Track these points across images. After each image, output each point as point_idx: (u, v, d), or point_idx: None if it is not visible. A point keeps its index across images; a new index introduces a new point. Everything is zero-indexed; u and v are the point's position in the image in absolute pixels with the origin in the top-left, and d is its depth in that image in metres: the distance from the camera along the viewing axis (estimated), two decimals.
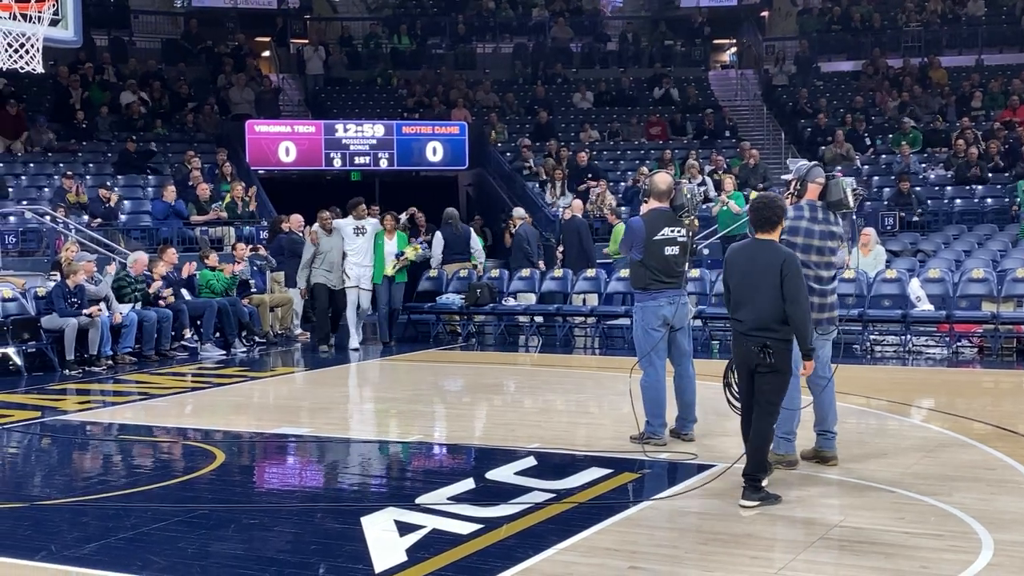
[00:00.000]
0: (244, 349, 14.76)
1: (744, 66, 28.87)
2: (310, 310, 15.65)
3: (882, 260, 15.06)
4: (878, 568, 5.27)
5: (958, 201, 19.59)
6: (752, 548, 5.61)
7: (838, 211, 7.36)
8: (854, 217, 7.60)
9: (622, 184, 21.44)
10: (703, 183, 20.10)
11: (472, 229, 17.94)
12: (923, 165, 20.92)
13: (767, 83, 27.03)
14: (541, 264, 16.76)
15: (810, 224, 7.21)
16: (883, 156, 21.93)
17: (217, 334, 14.80)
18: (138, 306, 13.88)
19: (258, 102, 24.12)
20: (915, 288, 13.77)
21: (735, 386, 6.83)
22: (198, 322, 14.61)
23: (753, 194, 17.88)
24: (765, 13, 30.63)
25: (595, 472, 7.31)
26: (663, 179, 8.23)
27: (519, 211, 17.91)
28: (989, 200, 19.24)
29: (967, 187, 19.77)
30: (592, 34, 29.03)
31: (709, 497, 6.70)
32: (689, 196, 8.07)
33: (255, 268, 16.18)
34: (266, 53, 28.88)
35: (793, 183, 7.46)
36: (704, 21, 28.78)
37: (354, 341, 14.79)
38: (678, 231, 8.05)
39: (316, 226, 14.98)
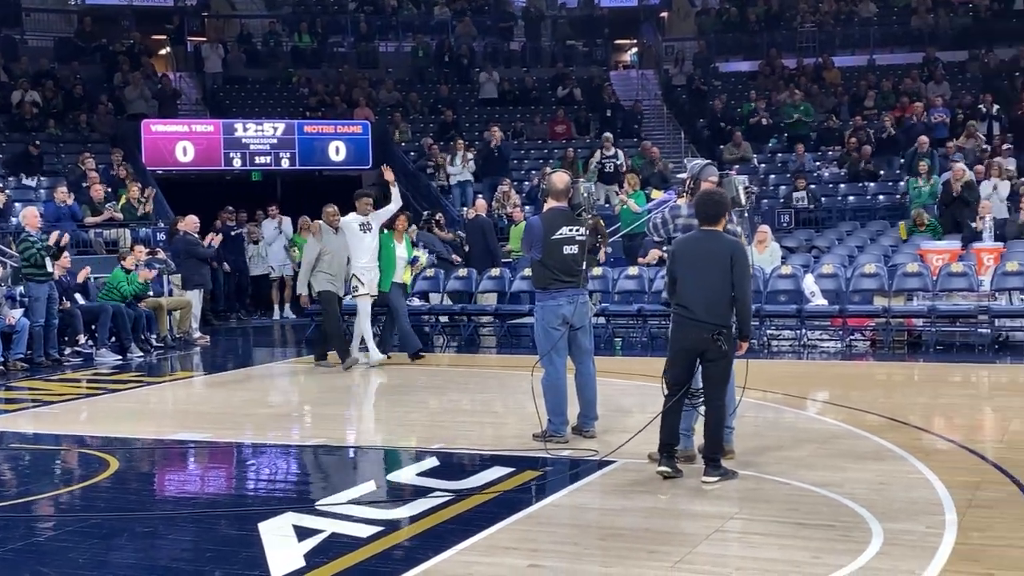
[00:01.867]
0: (140, 354, 14.43)
1: (645, 66, 29.19)
2: (317, 319, 13.86)
3: (777, 256, 15.35)
4: (772, 559, 5.37)
5: (851, 198, 20.07)
6: (651, 543, 5.67)
7: (732, 209, 7.48)
8: (746, 214, 7.70)
9: (526, 183, 21.53)
10: (616, 155, 20.38)
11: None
12: (817, 164, 21.38)
13: (667, 83, 27.36)
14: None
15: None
16: (779, 155, 22.35)
17: (113, 339, 14.47)
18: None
19: (155, 101, 23.67)
20: (809, 283, 14.06)
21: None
22: (92, 327, 14.27)
23: (655, 193, 18.19)
24: (665, 14, 31.03)
25: (497, 471, 7.33)
26: (560, 178, 8.28)
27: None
28: (881, 197, 19.75)
29: (859, 184, 20.26)
30: (496, 32, 29.12)
31: (610, 493, 6.77)
32: (586, 195, 8.14)
33: (154, 272, 15.88)
34: (163, 51, 28.35)
35: (687, 182, 7.58)
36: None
37: (376, 354, 12.88)
38: (577, 230, 8.11)
39: (320, 223, 13.18)
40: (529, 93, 26.51)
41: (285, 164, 22.29)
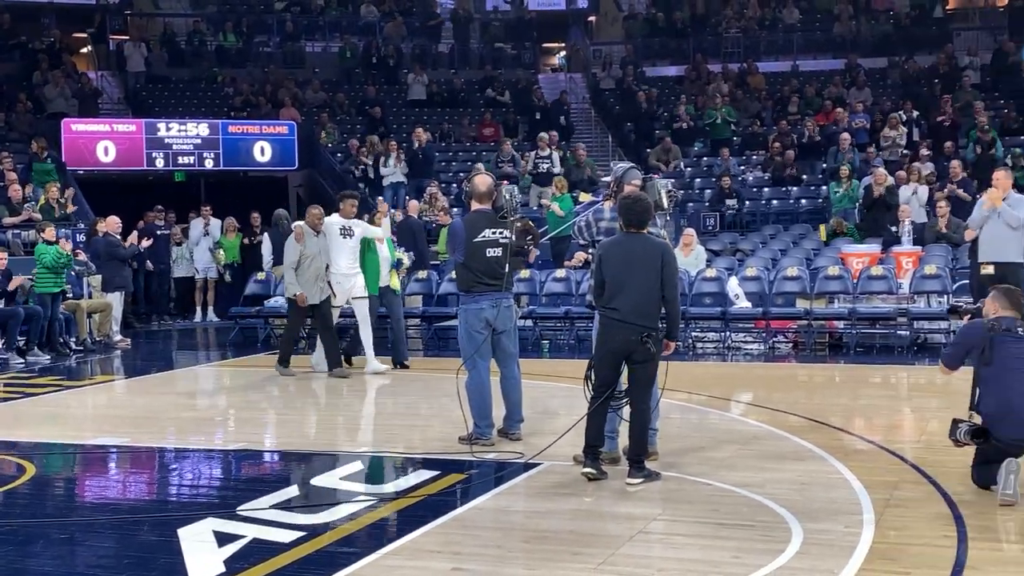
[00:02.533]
0: (48, 358, 14.06)
1: (573, 69, 29.32)
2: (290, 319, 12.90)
3: (703, 259, 15.53)
4: (693, 560, 5.42)
5: (774, 202, 20.35)
6: (574, 545, 5.69)
7: (655, 212, 7.54)
8: (668, 217, 7.77)
9: (454, 185, 21.51)
10: (550, 156, 20.43)
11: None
12: (742, 168, 21.64)
13: (595, 86, 27.52)
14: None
15: None
16: (704, 159, 22.59)
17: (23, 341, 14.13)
18: None
19: (75, 100, 23.23)
20: (733, 286, 14.24)
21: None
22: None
23: (583, 196, 18.29)
24: (593, 18, 31.20)
25: (422, 474, 7.31)
26: (483, 181, 8.27)
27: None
28: (803, 201, 20.05)
29: (783, 188, 20.55)
30: (425, 34, 29.07)
31: (535, 496, 6.78)
32: (508, 197, 8.13)
33: (73, 273, 15.58)
34: (84, 49, 27.83)
35: (611, 185, 7.62)
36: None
37: (374, 363, 12.22)
38: (500, 232, 8.10)
39: (302, 224, 12.27)
40: (457, 95, 26.49)
41: (209, 165, 21.99)
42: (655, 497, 6.68)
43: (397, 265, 12.96)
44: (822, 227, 17.74)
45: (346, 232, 12.11)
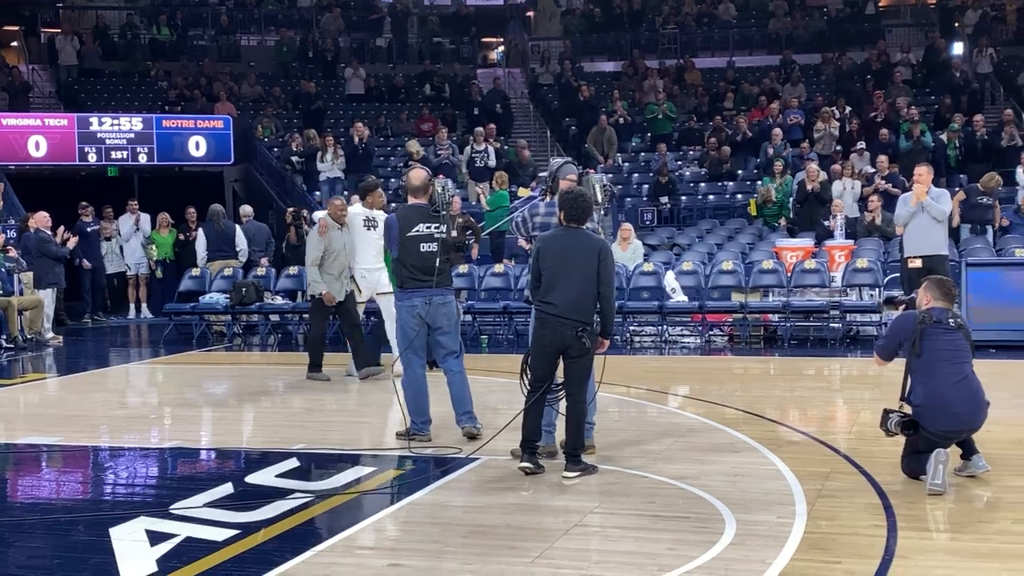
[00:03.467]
0: None
1: (511, 65, 29.33)
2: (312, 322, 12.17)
3: (640, 254, 15.63)
4: (629, 552, 5.45)
5: (711, 197, 20.52)
6: (511, 539, 5.70)
7: (599, 209, 7.57)
8: (603, 212, 7.79)
9: (392, 180, 21.41)
10: (486, 150, 20.42)
11: (238, 226, 17.46)
12: (679, 163, 21.79)
13: (533, 81, 27.55)
14: (264, 260, 16.71)
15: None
16: (642, 154, 22.71)
17: None
18: None
19: (5, 94, 22.79)
20: (670, 280, 14.35)
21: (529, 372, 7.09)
22: None
23: (522, 191, 18.31)
24: (531, 13, 31.24)
25: (359, 471, 7.29)
26: (417, 175, 8.25)
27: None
28: (739, 196, 20.24)
29: (719, 183, 20.73)
30: (363, 28, 28.92)
31: (472, 491, 6.78)
32: (441, 191, 8.09)
33: (4, 270, 15.29)
34: (14, 43, 27.30)
35: (547, 180, 7.64)
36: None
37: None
38: (435, 227, 8.05)
39: (324, 215, 11.52)
40: (396, 90, 26.38)
41: (143, 160, 21.66)
42: (592, 490, 6.71)
43: None
44: (752, 201, 17.98)
45: (370, 224, 11.28)
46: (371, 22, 29.42)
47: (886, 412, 6.75)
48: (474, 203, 19.40)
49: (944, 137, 19.46)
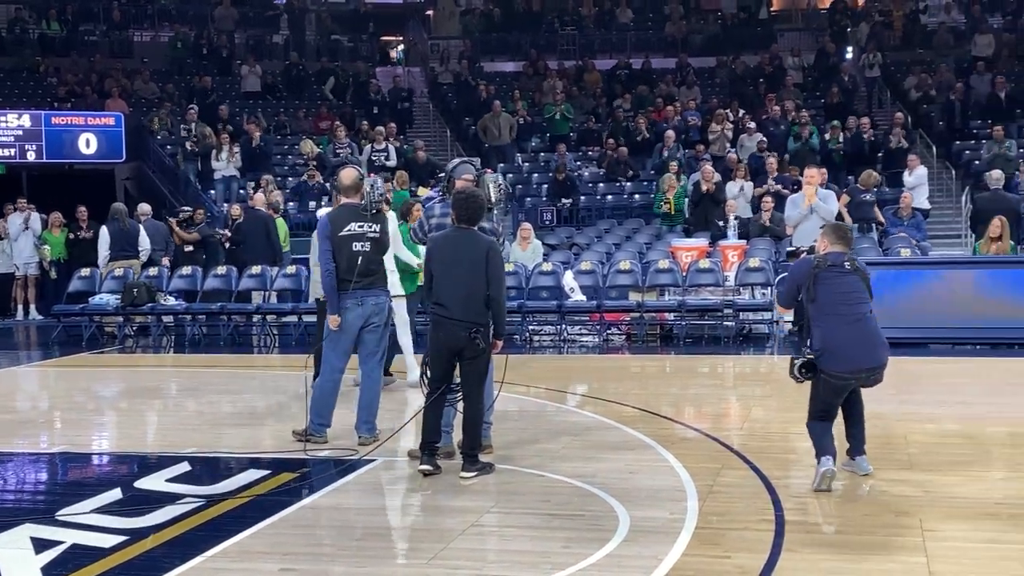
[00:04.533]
0: None
1: (411, 63, 29.24)
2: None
3: (539, 253, 15.70)
4: (524, 551, 5.48)
5: (609, 197, 20.73)
6: (406, 540, 5.70)
7: (491, 208, 7.58)
8: (496, 212, 7.79)
9: (290, 179, 21.19)
10: (386, 149, 20.30)
11: (141, 226, 17.04)
12: (578, 163, 21.96)
13: (433, 80, 27.50)
14: (165, 260, 16.29)
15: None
16: (542, 154, 22.83)
17: None
18: None
19: None
20: (569, 280, 14.44)
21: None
22: None
23: (422, 190, 18.24)
24: (430, 12, 31.17)
25: (253, 474, 7.18)
26: (348, 174, 8.16)
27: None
28: (636, 196, 20.47)
29: (617, 183, 20.95)
30: (259, 24, 28.55)
31: (368, 493, 6.74)
32: (369, 189, 8.00)
33: None
34: None
35: (443, 180, 7.64)
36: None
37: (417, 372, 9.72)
38: (368, 227, 7.94)
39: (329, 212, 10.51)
40: (293, 87, 26.09)
41: (31, 157, 21.03)
42: (488, 490, 6.72)
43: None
44: (662, 198, 18.18)
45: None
46: (267, 18, 29.08)
47: (792, 360, 6.68)
48: (326, 202, 19.25)
49: (827, 135, 19.93)
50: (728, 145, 20.36)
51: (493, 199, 7.51)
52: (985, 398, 9.58)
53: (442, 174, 7.97)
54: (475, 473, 6.91)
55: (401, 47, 31.38)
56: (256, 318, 15.47)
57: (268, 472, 7.22)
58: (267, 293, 15.36)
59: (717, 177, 17.95)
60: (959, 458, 7.23)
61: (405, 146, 21.53)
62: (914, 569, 5.10)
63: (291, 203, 19.75)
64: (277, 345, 14.80)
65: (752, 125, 20.74)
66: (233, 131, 21.47)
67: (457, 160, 7.93)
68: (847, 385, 6.57)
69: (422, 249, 9.87)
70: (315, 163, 20.46)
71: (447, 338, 6.94)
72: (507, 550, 5.54)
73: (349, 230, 7.89)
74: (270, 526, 6.01)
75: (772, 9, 30.35)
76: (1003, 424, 8.48)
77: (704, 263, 14.63)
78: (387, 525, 5.97)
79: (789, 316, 7.14)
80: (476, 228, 7.04)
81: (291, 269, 15.33)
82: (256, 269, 15.46)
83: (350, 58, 28.01)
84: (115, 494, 6.73)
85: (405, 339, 10.44)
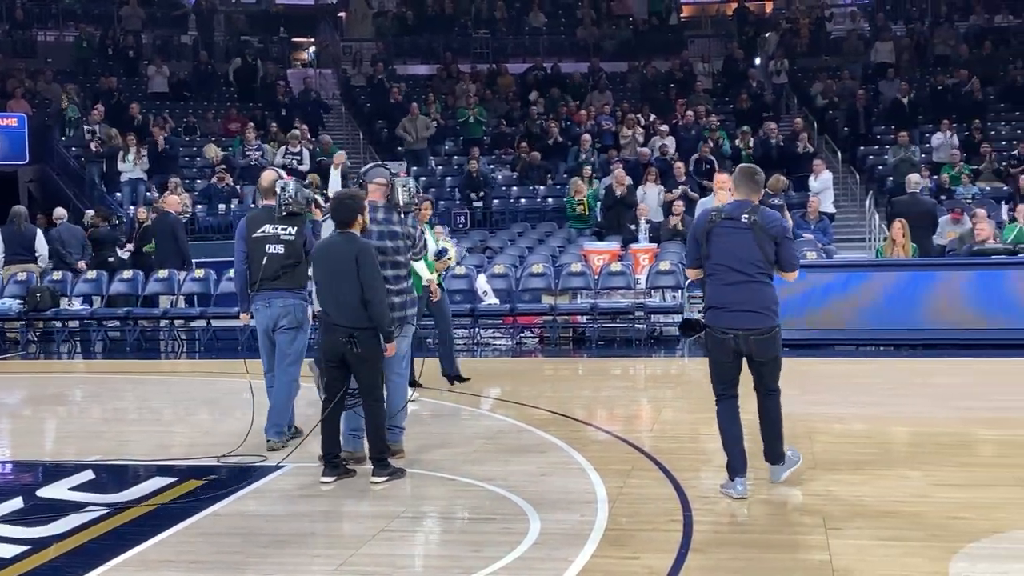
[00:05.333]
0: None
1: (323, 65, 28.99)
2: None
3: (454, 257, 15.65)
4: (434, 556, 5.47)
5: (522, 200, 20.79)
6: (315, 547, 5.63)
7: (400, 212, 7.55)
8: (407, 215, 7.77)
9: (198, 181, 20.87)
10: (300, 152, 20.08)
11: (38, 230, 16.62)
12: (491, 167, 21.98)
13: (346, 83, 27.32)
14: (81, 264, 15.94)
15: (369, 225, 7.33)
16: (455, 158, 22.82)
17: None
18: None
19: None
20: (482, 283, 14.46)
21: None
22: None
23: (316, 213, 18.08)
24: (343, 14, 30.95)
25: (158, 481, 7.05)
26: (267, 176, 8.14)
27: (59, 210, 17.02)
28: (550, 200, 20.57)
29: (530, 187, 21.03)
30: (166, 24, 28.07)
31: (277, 499, 6.65)
32: (279, 192, 7.91)
33: None
34: None
35: (356, 184, 7.61)
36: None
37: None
38: (283, 229, 7.84)
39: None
40: (201, 88, 25.70)
41: None
42: (399, 495, 6.69)
43: (440, 255, 10.78)
44: (575, 201, 18.28)
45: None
46: (175, 18, 28.60)
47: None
48: (252, 205, 19.05)
49: (737, 140, 20.24)
50: (647, 150, 20.47)
51: (402, 203, 7.49)
52: (888, 398, 9.80)
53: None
54: (386, 478, 6.86)
55: (312, 49, 31.08)
56: (164, 323, 15.19)
57: (175, 479, 7.09)
58: (175, 297, 15.10)
59: (629, 181, 18.11)
60: (863, 457, 7.38)
61: (317, 149, 21.26)
62: (818, 567, 5.19)
63: (200, 206, 19.46)
64: (185, 350, 14.57)
65: (664, 129, 21.01)
66: (140, 132, 21.07)
67: (371, 164, 7.89)
68: (726, 341, 6.30)
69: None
70: (222, 167, 20.18)
71: (330, 344, 6.88)
72: (417, 555, 5.52)
73: (263, 232, 7.86)
74: (176, 534, 5.90)
75: (682, 16, 30.72)
76: (906, 424, 8.68)
77: (616, 266, 14.76)
78: (296, 532, 5.89)
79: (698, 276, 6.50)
80: (357, 232, 6.93)
81: (199, 273, 15.11)
82: (164, 273, 15.20)
83: (260, 59, 27.64)
84: (16, 503, 6.55)
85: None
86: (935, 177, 19.11)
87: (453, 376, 10.72)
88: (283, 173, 8.46)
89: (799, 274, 6.51)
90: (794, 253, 6.43)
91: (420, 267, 9.85)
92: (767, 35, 27.49)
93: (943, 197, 18.10)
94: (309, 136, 21.55)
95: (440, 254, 10.66)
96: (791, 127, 21.26)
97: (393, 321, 7.03)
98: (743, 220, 6.23)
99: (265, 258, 7.77)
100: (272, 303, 7.82)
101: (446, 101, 24.61)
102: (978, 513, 5.98)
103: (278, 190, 7.86)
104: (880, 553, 5.38)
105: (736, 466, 6.40)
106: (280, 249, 7.83)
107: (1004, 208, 17.44)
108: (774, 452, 6.60)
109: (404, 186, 7.50)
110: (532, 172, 21.11)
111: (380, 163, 8.13)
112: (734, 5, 29.98)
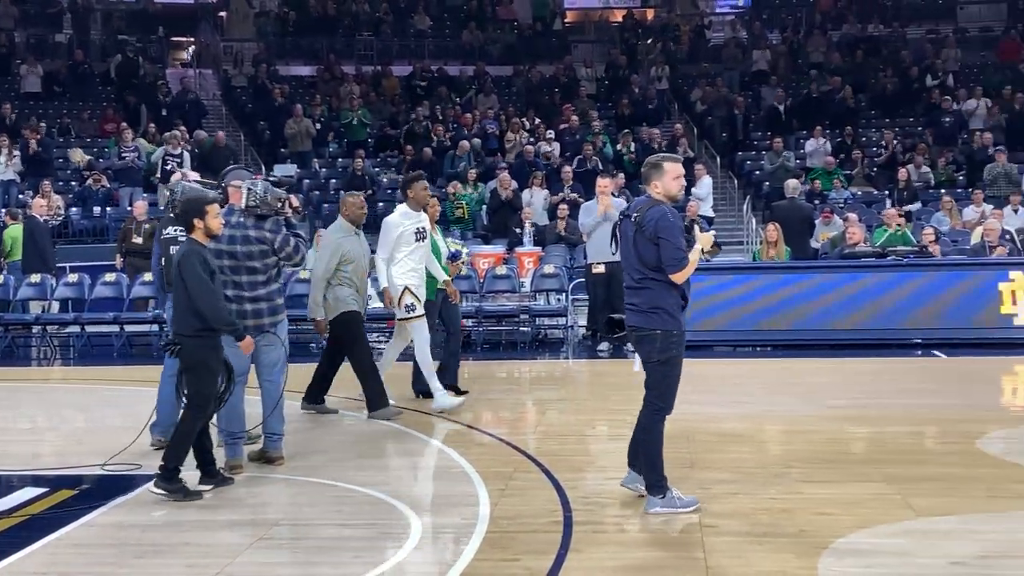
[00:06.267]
0: None
1: (203, 65, 28.47)
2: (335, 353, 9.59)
3: None
4: (313, 563, 5.42)
5: None
6: (189, 556, 5.53)
7: (261, 215, 7.33)
8: (280, 219, 7.52)
9: (73, 183, 20.31)
10: (180, 154, 19.68)
11: None
12: (376, 169, 21.87)
13: (226, 83, 26.88)
14: None
15: (224, 229, 7.22)
16: (339, 160, 22.63)
17: None
18: None
19: None
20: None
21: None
22: None
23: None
24: (223, 13, 30.45)
25: (29, 492, 6.87)
26: (175, 178, 8.01)
27: None
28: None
29: None
30: (41, 22, 27.27)
31: (152, 509, 6.51)
32: (168, 193, 7.80)
33: None
34: None
35: (217, 187, 7.52)
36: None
37: (445, 397, 9.55)
38: (179, 231, 7.63)
39: (340, 221, 9.36)
40: (77, 87, 25.01)
41: None
42: (278, 502, 6.63)
43: (453, 257, 10.24)
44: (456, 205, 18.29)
45: (420, 233, 9.51)
46: (49, 16, 27.78)
47: None
48: (162, 208, 18.68)
49: (619, 145, 20.53)
50: (531, 147, 20.59)
51: (244, 206, 7.30)
52: (763, 398, 10.04)
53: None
54: (164, 492, 6.53)
55: (192, 48, 30.51)
56: (36, 329, 14.75)
57: (46, 489, 6.90)
58: (47, 303, 14.68)
59: (514, 185, 18.21)
60: (738, 456, 7.56)
61: (196, 150, 20.86)
62: (693, 564, 5.30)
63: (74, 208, 18.96)
64: (58, 357, 14.17)
65: (550, 133, 21.18)
66: (12, 133, 20.42)
67: (231, 166, 7.81)
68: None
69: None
70: (89, 171, 19.71)
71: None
72: (295, 562, 5.47)
73: (167, 233, 7.85)
74: (47, 546, 5.75)
75: (566, 21, 31.00)
76: (778, 423, 8.91)
77: (501, 269, 14.83)
78: (171, 541, 5.78)
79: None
80: (199, 236, 6.73)
81: (73, 278, 14.73)
82: (36, 278, 14.76)
83: (138, 59, 27.01)
84: None
85: (426, 353, 9.56)
86: (808, 183, 19.64)
87: (453, 388, 10.11)
88: (192, 175, 8.28)
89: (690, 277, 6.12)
90: (672, 253, 5.97)
91: (435, 269, 9.73)
92: (648, 40, 27.92)
93: (817, 202, 18.63)
94: (189, 137, 21.15)
95: (454, 257, 10.26)
96: (672, 132, 21.64)
97: (235, 321, 6.82)
98: (633, 218, 6.12)
99: (164, 259, 7.75)
100: (166, 306, 7.77)
101: (330, 103, 24.40)
102: (845, 509, 6.17)
103: (244, 191, 7.37)
104: (752, 550, 5.52)
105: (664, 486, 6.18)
106: None
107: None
108: (640, 470, 6.31)
109: (250, 189, 7.27)
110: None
111: (239, 166, 8.04)
112: (617, 11, 30.39)
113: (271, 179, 7.58)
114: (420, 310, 9.41)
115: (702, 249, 6.21)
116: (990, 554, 5.34)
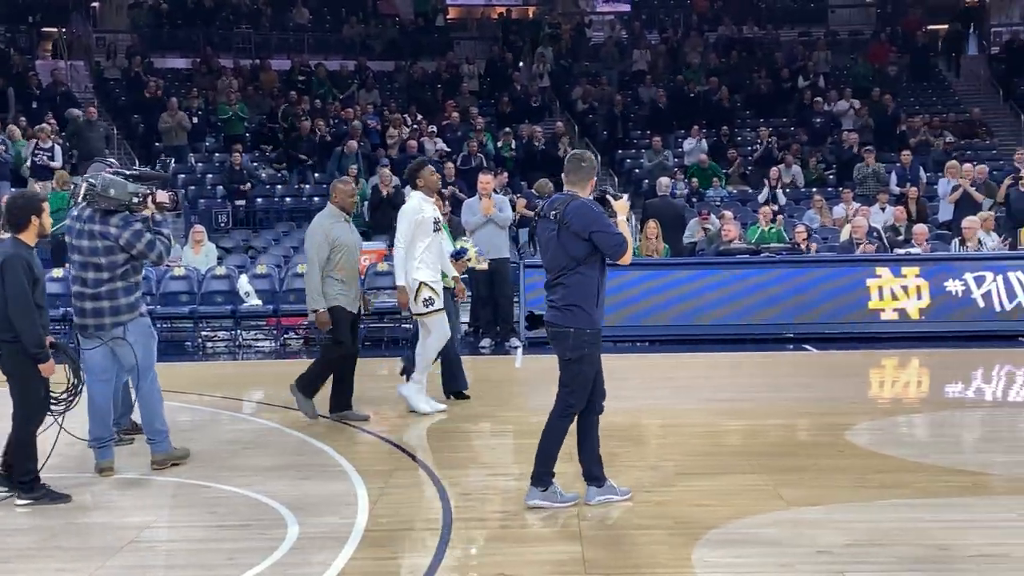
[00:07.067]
0: None
1: (74, 56, 27.64)
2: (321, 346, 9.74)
3: (213, 257, 15.30)
4: (186, 565, 5.34)
5: (288, 199, 20.47)
6: (59, 560, 5.38)
7: (108, 210, 7.04)
8: (133, 215, 7.18)
9: None
10: (51, 148, 19.06)
11: None
12: (255, 164, 21.53)
13: (99, 75, 26.15)
14: None
15: (73, 223, 7.08)
16: (216, 155, 22.24)
17: None
18: None
19: None
20: (244, 284, 14.16)
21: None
22: None
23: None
24: (96, 4, 29.62)
25: None
26: (93, 167, 7.72)
27: None
28: (316, 199, 20.31)
29: (295, 186, 20.73)
30: None
31: (20, 512, 6.32)
32: (85, 185, 7.46)
33: None
34: None
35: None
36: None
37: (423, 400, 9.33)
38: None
39: (330, 208, 9.20)
40: None
41: None
42: (151, 504, 6.49)
43: (459, 255, 9.82)
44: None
45: (436, 222, 9.35)
46: None
47: None
48: (80, 200, 18.04)
49: (500, 142, 20.62)
50: (407, 143, 20.51)
51: (80, 198, 7.07)
52: (641, 392, 10.17)
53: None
54: (29, 501, 6.36)
55: (64, 38, 29.59)
56: None
57: None
58: None
59: (396, 181, 18.11)
60: (616, 450, 7.61)
61: (68, 144, 20.22)
62: (570, 557, 5.35)
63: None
64: None
65: (433, 130, 21.12)
66: None
67: (96, 160, 7.61)
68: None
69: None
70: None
71: None
72: (168, 565, 5.37)
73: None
74: None
75: (448, 17, 30.97)
76: (656, 416, 9.07)
77: (383, 266, 14.74)
78: (40, 545, 5.61)
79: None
80: (29, 237, 6.50)
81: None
82: None
83: (11, 48, 26.10)
84: None
85: (432, 353, 9.28)
86: (687, 181, 20.00)
87: (460, 395, 9.88)
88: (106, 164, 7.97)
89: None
90: (610, 240, 5.91)
91: (445, 265, 9.43)
92: (529, 38, 28.07)
93: (695, 199, 18.99)
94: (61, 131, 20.50)
95: (459, 255, 9.78)
96: (553, 130, 21.79)
97: (44, 346, 6.43)
98: (552, 216, 6.00)
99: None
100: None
101: (207, 97, 23.93)
102: (720, 500, 6.31)
103: (82, 184, 7.12)
104: (628, 543, 5.60)
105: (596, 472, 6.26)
106: None
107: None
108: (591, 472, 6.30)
109: (88, 182, 6.99)
110: (296, 166, 20.82)
111: (102, 159, 7.82)
112: (499, 8, 30.48)
113: (133, 172, 7.36)
114: (439, 304, 9.08)
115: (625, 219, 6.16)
116: (855, 542, 5.51)
